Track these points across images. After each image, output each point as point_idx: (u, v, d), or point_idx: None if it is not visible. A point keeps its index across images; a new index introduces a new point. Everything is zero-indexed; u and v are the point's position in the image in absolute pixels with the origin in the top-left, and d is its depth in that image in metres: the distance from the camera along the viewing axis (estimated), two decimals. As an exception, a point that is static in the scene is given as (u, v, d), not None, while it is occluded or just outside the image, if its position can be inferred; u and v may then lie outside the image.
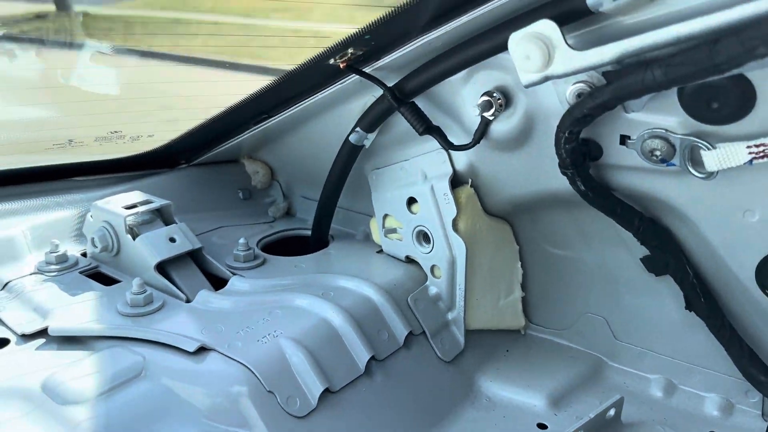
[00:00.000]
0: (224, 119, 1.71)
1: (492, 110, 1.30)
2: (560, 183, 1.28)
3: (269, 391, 1.18)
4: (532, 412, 1.41)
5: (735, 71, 0.96)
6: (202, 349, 1.23)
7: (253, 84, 1.56)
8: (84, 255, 1.61)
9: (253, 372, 1.19)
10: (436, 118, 1.43)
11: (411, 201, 1.55)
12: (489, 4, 1.16)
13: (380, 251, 1.67)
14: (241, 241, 1.63)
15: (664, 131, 1.15)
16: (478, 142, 1.35)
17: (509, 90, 1.30)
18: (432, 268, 1.54)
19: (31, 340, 1.29)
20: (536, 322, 1.65)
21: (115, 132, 1.79)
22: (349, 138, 1.53)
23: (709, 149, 1.12)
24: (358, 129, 1.51)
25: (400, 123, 1.47)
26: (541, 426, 1.37)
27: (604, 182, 1.29)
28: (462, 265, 1.48)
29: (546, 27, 1.08)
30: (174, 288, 1.45)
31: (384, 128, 1.53)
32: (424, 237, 1.55)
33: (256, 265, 1.61)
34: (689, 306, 1.35)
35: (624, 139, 1.21)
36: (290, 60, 1.43)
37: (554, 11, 1.09)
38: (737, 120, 1.08)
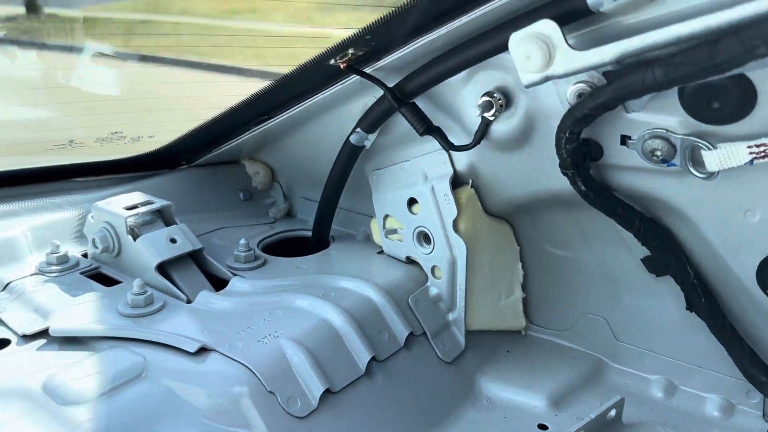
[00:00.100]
0: (225, 120, 1.71)
1: (492, 110, 1.30)
2: (561, 183, 1.28)
3: (270, 392, 1.18)
4: (533, 412, 1.41)
5: (735, 71, 0.96)
6: (203, 350, 1.23)
7: (253, 85, 1.57)
8: (85, 256, 1.61)
9: (253, 372, 1.19)
10: (437, 119, 1.43)
11: (411, 202, 1.55)
12: (489, 4, 1.16)
13: (381, 252, 1.67)
14: (242, 241, 1.63)
15: (664, 131, 1.15)
16: (479, 143, 1.35)
17: (510, 90, 1.30)
18: (432, 268, 1.54)
19: (32, 341, 1.29)
20: (537, 322, 1.65)
21: (116, 133, 1.80)
22: (350, 139, 1.53)
23: (709, 149, 1.12)
24: (358, 129, 1.51)
25: (400, 123, 1.47)
26: (542, 427, 1.37)
27: (604, 182, 1.29)
28: (462, 265, 1.48)
29: (546, 27, 1.08)
30: (175, 289, 1.45)
31: (384, 129, 1.53)
32: (424, 237, 1.55)
33: (257, 266, 1.61)
34: (690, 306, 1.35)
35: (625, 140, 1.21)
36: (291, 61, 1.43)
37: (555, 11, 1.09)
38: (738, 120, 1.08)
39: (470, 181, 1.48)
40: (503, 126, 1.34)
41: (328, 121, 1.64)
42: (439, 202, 1.48)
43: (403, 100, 1.40)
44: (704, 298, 1.32)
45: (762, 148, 1.07)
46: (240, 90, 1.60)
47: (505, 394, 1.45)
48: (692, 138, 1.13)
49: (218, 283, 1.53)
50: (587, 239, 1.48)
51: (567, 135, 1.18)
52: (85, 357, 1.22)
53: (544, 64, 1.10)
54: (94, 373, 1.16)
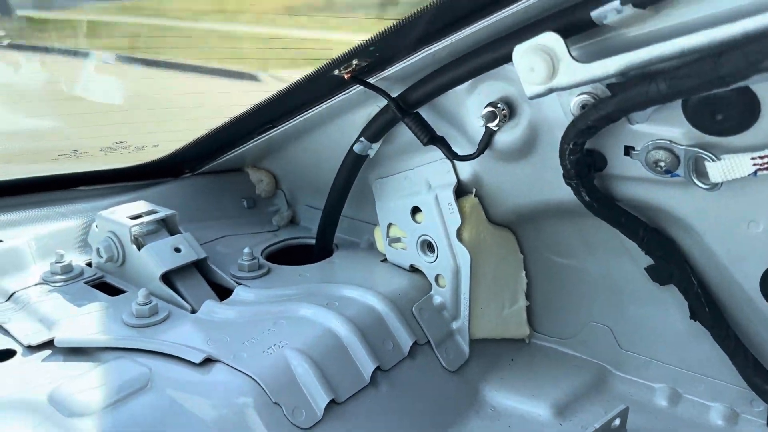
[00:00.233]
0: (229, 129, 1.71)
1: (496, 121, 1.31)
2: (564, 193, 1.28)
3: (275, 403, 1.19)
4: (537, 421, 1.41)
5: (739, 84, 0.97)
6: (208, 360, 1.24)
7: (257, 94, 1.57)
8: (89, 265, 1.61)
9: (258, 383, 1.19)
10: (441, 128, 1.43)
11: (415, 210, 1.55)
12: (493, 16, 1.16)
13: (384, 260, 1.67)
14: (246, 250, 1.63)
15: (668, 142, 1.16)
16: (483, 153, 1.36)
17: (513, 101, 1.31)
18: (436, 277, 1.54)
19: (37, 351, 1.29)
20: (541, 331, 1.65)
21: (121, 142, 1.80)
22: (354, 148, 1.54)
23: (713, 160, 1.12)
24: (362, 139, 1.52)
25: (404, 133, 1.47)
26: (547, 436, 1.37)
27: (608, 193, 1.30)
28: (466, 274, 1.49)
29: (550, 39, 1.09)
30: (179, 298, 1.46)
31: (388, 138, 1.53)
32: (428, 246, 1.55)
33: (261, 275, 1.61)
34: (694, 316, 1.35)
35: (628, 150, 1.22)
36: (295, 70, 1.43)
37: (558, 23, 1.10)
38: (741, 131, 1.08)
39: (474, 190, 1.49)
40: (507, 136, 1.34)
41: (331, 130, 1.65)
42: (443, 210, 1.49)
43: (407, 110, 1.40)
44: (708, 308, 1.32)
45: (765, 160, 1.07)
46: (244, 100, 1.61)
47: (509, 403, 1.45)
48: (696, 149, 1.13)
49: (222, 292, 1.53)
50: (591, 248, 1.48)
51: (571, 146, 1.19)
52: (91, 368, 1.23)
53: (548, 76, 1.10)
54: (100, 385, 1.16)
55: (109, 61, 1.91)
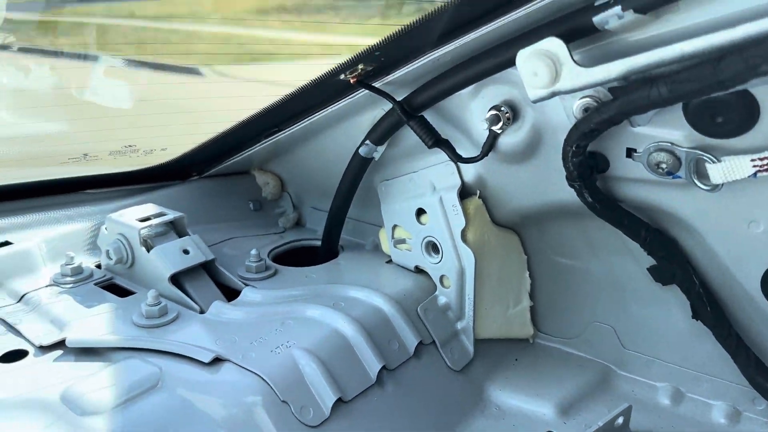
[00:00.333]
0: (236, 132, 1.73)
1: (500, 124, 1.32)
2: (568, 195, 1.30)
3: (283, 401, 1.21)
4: (542, 420, 1.43)
5: (739, 87, 0.98)
6: (217, 360, 1.26)
7: (264, 98, 1.59)
8: (98, 267, 1.63)
9: (267, 382, 1.21)
10: (445, 131, 1.45)
11: (420, 212, 1.57)
12: (496, 21, 1.18)
13: (389, 261, 1.69)
14: (253, 252, 1.65)
15: (669, 144, 1.17)
16: (486, 155, 1.38)
17: (517, 104, 1.33)
18: (441, 278, 1.56)
19: (48, 352, 1.32)
20: (544, 331, 1.67)
21: (130, 146, 1.82)
22: (359, 150, 1.56)
23: (714, 162, 1.14)
24: (367, 142, 1.54)
25: (409, 136, 1.49)
26: (551, 434, 1.39)
27: (611, 194, 1.31)
28: (471, 275, 1.50)
29: (553, 44, 1.10)
30: (188, 299, 1.48)
31: (393, 141, 1.55)
32: (433, 247, 1.57)
33: (268, 276, 1.63)
34: (696, 315, 1.37)
35: (630, 152, 1.23)
36: (303, 75, 1.45)
37: (561, 29, 1.12)
38: (741, 134, 1.10)
39: (478, 192, 1.51)
40: (510, 139, 1.36)
41: (337, 134, 1.67)
42: (448, 212, 1.51)
43: (412, 114, 1.42)
44: (710, 307, 1.34)
45: (765, 161, 1.09)
46: (251, 104, 1.62)
47: (513, 402, 1.47)
48: (697, 151, 1.15)
49: (230, 293, 1.55)
50: (594, 249, 1.50)
51: (574, 148, 1.21)
52: (102, 368, 1.25)
53: (551, 81, 1.12)
54: (111, 384, 1.18)
55: (119, 65, 1.93)
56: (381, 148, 1.55)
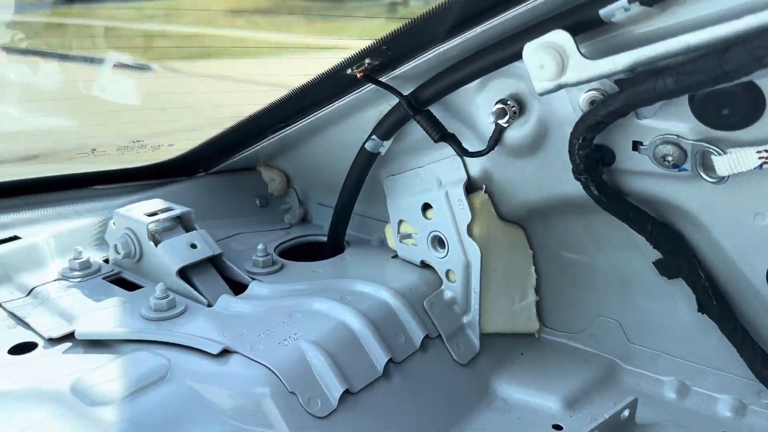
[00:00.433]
0: (242, 128, 1.74)
1: (506, 117, 1.33)
2: (574, 188, 1.30)
3: (291, 392, 1.21)
4: (548, 413, 1.43)
5: (744, 79, 0.99)
6: (225, 352, 1.26)
7: (270, 94, 1.60)
8: (106, 261, 1.64)
9: (275, 373, 1.22)
10: (451, 126, 1.46)
11: (426, 207, 1.57)
12: (503, 15, 1.19)
13: (395, 256, 1.69)
14: (260, 247, 1.66)
15: (675, 137, 1.18)
16: (493, 149, 1.38)
17: (523, 97, 1.33)
18: (447, 272, 1.57)
19: (58, 344, 1.33)
20: (550, 325, 1.67)
21: (137, 141, 1.83)
22: (365, 145, 1.56)
23: (719, 154, 1.14)
24: (374, 137, 1.54)
25: (415, 130, 1.50)
26: (557, 427, 1.39)
27: (617, 187, 1.32)
28: (477, 269, 1.51)
29: (560, 37, 1.11)
30: (195, 293, 1.48)
31: (399, 136, 1.56)
32: (439, 242, 1.57)
33: (275, 271, 1.64)
34: (702, 309, 1.37)
35: (636, 145, 1.24)
36: (308, 70, 1.46)
37: (567, 21, 1.12)
38: (747, 126, 1.11)
39: (484, 186, 1.51)
40: (517, 132, 1.36)
41: (343, 129, 1.67)
42: (453, 207, 1.51)
43: (418, 108, 1.43)
44: (716, 301, 1.34)
45: (771, 153, 1.09)
46: (258, 99, 1.63)
47: (519, 396, 1.48)
48: (702, 143, 1.16)
49: (237, 288, 1.56)
50: (600, 243, 1.51)
51: (580, 141, 1.21)
52: (111, 359, 1.26)
53: (558, 73, 1.13)
54: (121, 376, 1.19)
55: (130, 63, 1.95)
56: (387, 143, 1.56)
